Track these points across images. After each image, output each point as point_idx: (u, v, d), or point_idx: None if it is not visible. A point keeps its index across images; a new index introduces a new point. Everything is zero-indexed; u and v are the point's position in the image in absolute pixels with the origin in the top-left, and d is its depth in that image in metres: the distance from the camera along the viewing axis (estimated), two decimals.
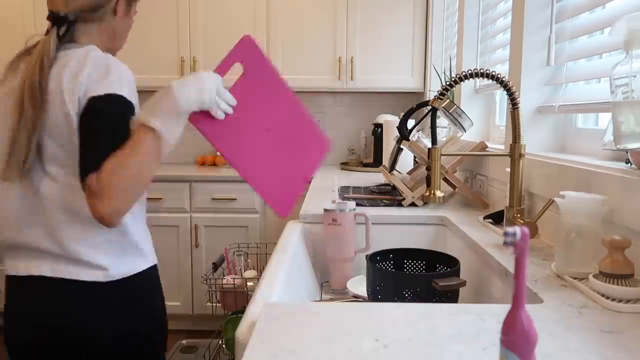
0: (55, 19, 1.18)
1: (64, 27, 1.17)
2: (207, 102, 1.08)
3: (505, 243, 0.48)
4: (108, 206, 0.95)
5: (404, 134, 1.84)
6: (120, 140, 1.00)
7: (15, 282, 1.10)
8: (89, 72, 1.06)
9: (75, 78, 1.05)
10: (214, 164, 3.40)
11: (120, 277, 1.11)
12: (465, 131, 1.66)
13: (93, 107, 1.02)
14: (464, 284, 1.04)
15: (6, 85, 1.16)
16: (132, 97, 1.13)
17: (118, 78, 1.11)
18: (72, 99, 1.04)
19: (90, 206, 0.96)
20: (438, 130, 2.30)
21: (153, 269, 1.24)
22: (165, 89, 1.06)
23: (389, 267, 1.21)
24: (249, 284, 1.97)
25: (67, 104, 1.04)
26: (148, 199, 2.93)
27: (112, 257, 1.10)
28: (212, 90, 1.09)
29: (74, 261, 1.07)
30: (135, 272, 1.15)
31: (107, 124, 1.03)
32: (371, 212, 1.59)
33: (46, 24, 1.19)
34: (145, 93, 3.94)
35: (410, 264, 1.23)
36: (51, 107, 1.05)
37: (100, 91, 1.04)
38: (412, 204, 1.75)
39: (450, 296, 1.03)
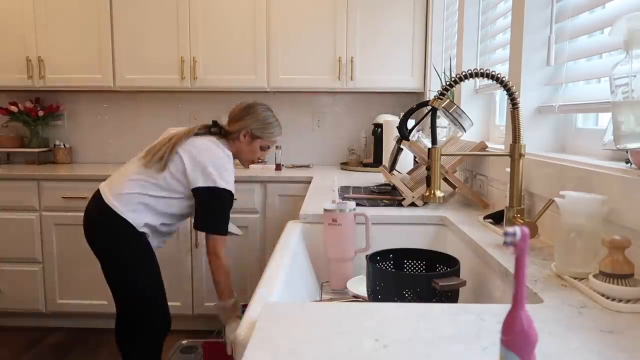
0: (213, 122, 2.06)
1: (216, 129, 2.04)
2: None
3: (505, 243, 0.48)
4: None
5: (404, 134, 1.84)
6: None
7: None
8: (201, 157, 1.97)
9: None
10: None
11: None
12: (465, 131, 1.66)
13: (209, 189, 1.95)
14: (464, 284, 1.04)
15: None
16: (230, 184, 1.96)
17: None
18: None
19: (209, 245, 1.97)
20: (438, 130, 2.30)
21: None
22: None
23: (389, 267, 1.21)
24: None
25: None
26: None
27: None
28: None
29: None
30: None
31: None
32: (371, 212, 1.59)
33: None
34: (145, 93, 3.94)
35: (410, 264, 1.23)
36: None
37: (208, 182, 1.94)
38: (412, 204, 1.75)
39: (450, 296, 1.03)
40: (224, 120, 2.09)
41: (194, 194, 1.89)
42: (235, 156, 2.02)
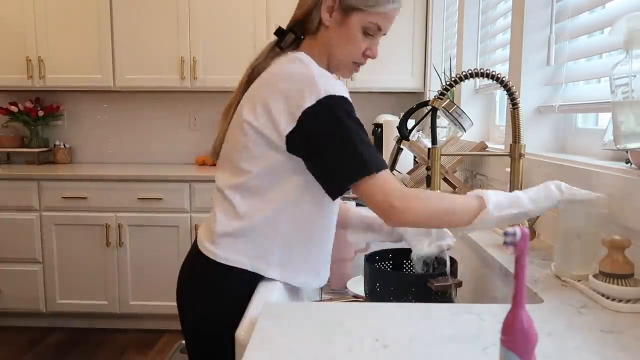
0: (277, 32, 1.16)
1: (284, 41, 1.13)
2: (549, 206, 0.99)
3: (505, 243, 0.48)
4: None
5: (404, 134, 1.84)
6: None
7: None
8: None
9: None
10: (214, 164, 3.40)
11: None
12: (465, 131, 1.66)
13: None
14: (460, 284, 1.03)
15: None
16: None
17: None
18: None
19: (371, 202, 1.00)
20: (438, 130, 2.29)
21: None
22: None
23: (388, 267, 1.21)
24: None
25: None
26: (148, 198, 2.88)
27: None
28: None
29: None
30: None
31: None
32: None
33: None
34: (145, 93, 3.93)
35: (409, 264, 1.23)
36: None
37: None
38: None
39: (446, 296, 1.03)
40: None
41: (291, 145, 1.00)
42: (326, 61, 1.13)
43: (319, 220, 1.07)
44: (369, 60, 1.17)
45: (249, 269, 1.04)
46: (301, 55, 1.06)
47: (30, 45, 3.15)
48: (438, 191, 1.09)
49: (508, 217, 0.96)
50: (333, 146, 0.97)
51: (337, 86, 0.99)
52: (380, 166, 0.97)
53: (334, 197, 1.01)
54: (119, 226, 2.97)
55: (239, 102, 1.11)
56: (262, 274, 1.04)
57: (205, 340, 1.11)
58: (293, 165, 1.01)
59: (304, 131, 0.97)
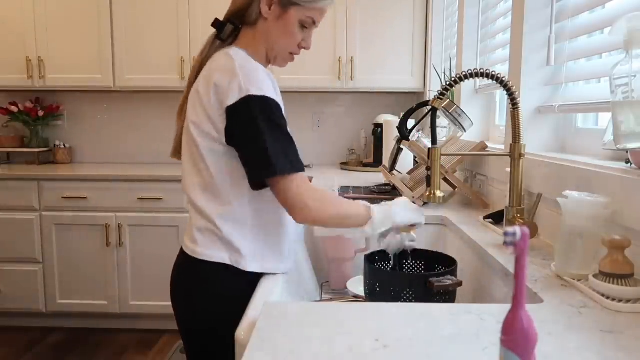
0: (215, 24, 1.18)
1: (223, 32, 1.16)
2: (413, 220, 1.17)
3: (505, 243, 0.48)
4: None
5: (404, 134, 1.84)
6: None
7: None
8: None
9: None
10: None
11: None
12: (465, 131, 1.66)
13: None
14: (460, 284, 1.03)
15: None
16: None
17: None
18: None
19: (281, 199, 1.07)
20: (438, 130, 2.29)
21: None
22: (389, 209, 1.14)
23: (388, 267, 1.21)
24: None
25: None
26: (148, 198, 2.90)
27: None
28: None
29: None
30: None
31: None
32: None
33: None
34: (145, 93, 3.93)
35: (409, 264, 1.23)
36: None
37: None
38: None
39: (447, 296, 1.03)
40: None
41: (227, 139, 1.06)
42: (264, 51, 1.16)
43: (280, 209, 1.08)
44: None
45: (228, 262, 1.08)
46: (232, 50, 1.11)
47: (30, 45, 3.15)
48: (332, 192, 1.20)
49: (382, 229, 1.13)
50: (247, 145, 1.04)
51: (259, 84, 1.03)
52: (287, 169, 1.02)
53: (254, 189, 1.07)
54: (119, 226, 2.97)
55: (184, 101, 1.17)
56: (239, 267, 1.08)
57: (200, 339, 1.13)
58: (238, 159, 1.06)
59: (229, 126, 1.04)
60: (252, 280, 1.06)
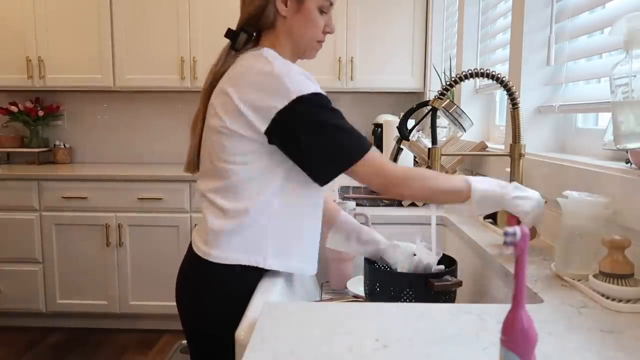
0: (228, 34, 1.16)
1: (237, 41, 1.14)
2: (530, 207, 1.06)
3: (505, 243, 0.48)
4: None
5: (404, 134, 1.84)
6: None
7: None
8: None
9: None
10: None
11: None
12: (465, 131, 1.66)
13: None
14: (459, 284, 1.03)
15: None
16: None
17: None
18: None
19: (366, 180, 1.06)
20: (438, 130, 2.29)
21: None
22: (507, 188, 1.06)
23: (388, 267, 1.21)
24: None
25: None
26: (148, 198, 2.90)
27: None
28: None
29: None
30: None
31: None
32: (371, 212, 1.59)
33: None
34: (145, 93, 3.93)
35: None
36: None
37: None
38: (412, 204, 1.75)
39: (447, 296, 1.03)
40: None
41: (271, 141, 1.03)
42: (290, 50, 1.15)
43: (305, 208, 1.09)
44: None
45: (246, 263, 1.05)
46: (265, 51, 1.07)
47: (30, 45, 3.15)
48: (430, 169, 1.16)
49: (489, 204, 1.05)
50: (315, 143, 1.00)
51: (305, 82, 1.01)
52: (364, 149, 1.01)
53: (322, 184, 1.06)
54: (119, 226, 2.97)
55: (204, 111, 1.15)
56: (260, 266, 1.05)
57: (206, 340, 1.11)
58: (273, 159, 1.04)
59: (282, 130, 1.00)
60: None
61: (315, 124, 1.00)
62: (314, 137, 1.00)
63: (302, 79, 1.02)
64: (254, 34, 1.15)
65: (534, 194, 1.05)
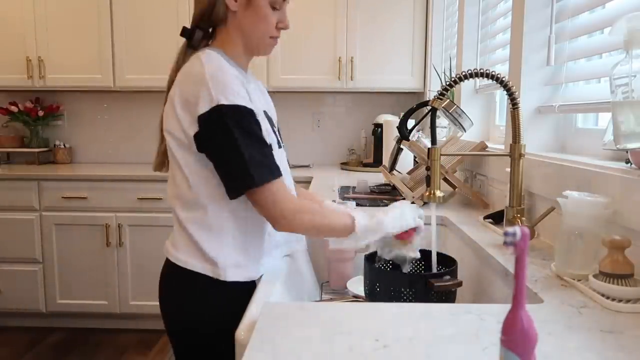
0: (183, 32, 1.16)
1: (194, 39, 1.14)
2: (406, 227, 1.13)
3: (505, 243, 0.48)
4: None
5: (404, 134, 1.84)
6: None
7: None
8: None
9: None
10: None
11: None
12: (465, 131, 1.66)
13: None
14: (460, 284, 1.03)
15: None
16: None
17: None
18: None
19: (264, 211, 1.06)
20: (438, 130, 2.29)
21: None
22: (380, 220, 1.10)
23: (388, 267, 1.21)
24: None
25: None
26: (148, 198, 2.92)
27: None
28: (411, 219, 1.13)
29: None
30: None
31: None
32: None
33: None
34: (145, 93, 3.92)
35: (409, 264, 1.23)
36: None
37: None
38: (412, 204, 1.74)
39: (446, 296, 1.03)
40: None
41: (198, 146, 1.04)
42: (242, 46, 1.14)
43: (251, 212, 1.07)
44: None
45: (205, 272, 1.07)
46: (204, 53, 1.07)
47: (30, 45, 3.15)
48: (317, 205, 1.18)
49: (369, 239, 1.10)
50: (223, 156, 1.01)
51: (229, 93, 1.00)
52: (266, 178, 1.00)
53: (231, 198, 1.04)
54: (119, 226, 2.97)
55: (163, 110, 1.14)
56: (217, 277, 1.06)
57: (180, 338, 1.13)
58: (210, 165, 1.04)
59: (202, 135, 1.01)
60: (231, 289, 1.06)
61: (227, 138, 0.99)
62: (222, 151, 1.01)
63: (230, 86, 1.00)
64: (210, 30, 1.14)
65: (403, 207, 1.12)
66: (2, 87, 3.24)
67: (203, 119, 1.00)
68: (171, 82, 1.14)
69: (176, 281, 1.11)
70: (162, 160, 1.19)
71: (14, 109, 3.35)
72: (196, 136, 1.02)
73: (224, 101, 0.99)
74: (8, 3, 3.13)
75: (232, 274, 1.06)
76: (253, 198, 1.02)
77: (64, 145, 3.47)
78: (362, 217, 1.09)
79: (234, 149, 0.99)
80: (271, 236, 1.13)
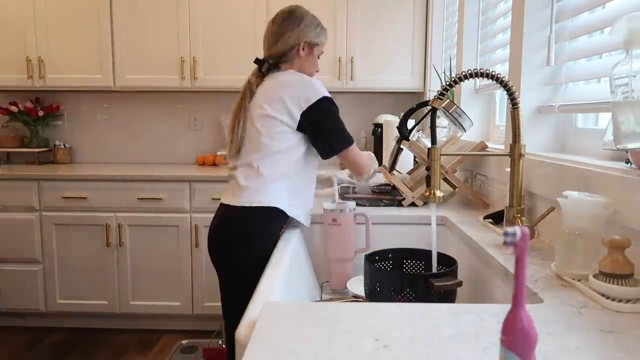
0: (257, 61, 1.66)
1: (264, 67, 1.64)
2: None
3: (505, 243, 0.48)
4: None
5: (404, 134, 1.84)
6: None
7: None
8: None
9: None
10: (214, 164, 3.40)
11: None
12: (465, 131, 1.66)
13: None
14: (460, 284, 1.03)
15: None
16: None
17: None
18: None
19: (351, 165, 1.69)
20: (438, 130, 2.29)
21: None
22: None
23: (388, 267, 1.21)
24: None
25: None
26: (148, 198, 2.98)
27: None
28: None
29: None
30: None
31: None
32: (371, 212, 1.59)
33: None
34: (145, 93, 3.93)
35: (409, 264, 1.23)
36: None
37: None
38: (412, 204, 1.75)
39: (446, 296, 1.03)
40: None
41: (300, 126, 1.53)
42: None
43: (310, 174, 1.65)
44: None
45: (267, 204, 1.51)
46: (291, 72, 1.63)
47: (30, 45, 3.15)
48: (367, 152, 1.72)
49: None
50: (332, 129, 1.57)
51: (323, 89, 1.58)
52: (352, 141, 1.62)
53: (325, 158, 1.63)
54: (119, 226, 2.97)
55: (243, 107, 1.60)
56: (284, 209, 1.52)
57: (244, 272, 1.49)
58: (299, 140, 1.56)
59: (311, 118, 1.53)
60: (281, 222, 1.55)
61: (333, 118, 1.57)
62: (331, 127, 1.57)
63: (322, 87, 1.58)
64: (276, 64, 1.65)
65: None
66: (2, 87, 3.24)
67: (314, 106, 1.52)
68: (245, 93, 1.61)
69: (245, 219, 1.53)
70: (240, 146, 1.59)
71: (14, 109, 3.35)
72: (300, 119, 1.52)
73: (326, 94, 1.56)
74: (8, 3, 3.13)
75: (291, 210, 1.55)
76: (345, 154, 1.61)
77: (64, 145, 3.47)
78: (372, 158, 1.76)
79: (338, 123, 1.58)
80: (309, 196, 1.66)
